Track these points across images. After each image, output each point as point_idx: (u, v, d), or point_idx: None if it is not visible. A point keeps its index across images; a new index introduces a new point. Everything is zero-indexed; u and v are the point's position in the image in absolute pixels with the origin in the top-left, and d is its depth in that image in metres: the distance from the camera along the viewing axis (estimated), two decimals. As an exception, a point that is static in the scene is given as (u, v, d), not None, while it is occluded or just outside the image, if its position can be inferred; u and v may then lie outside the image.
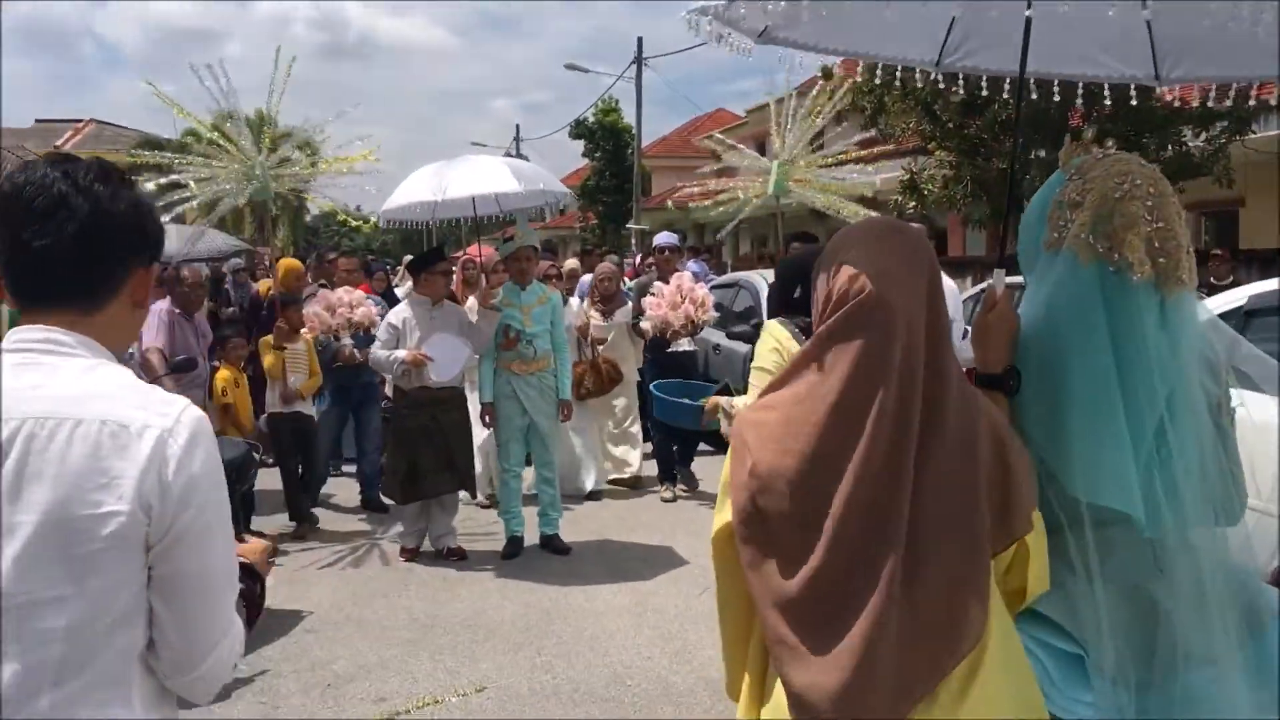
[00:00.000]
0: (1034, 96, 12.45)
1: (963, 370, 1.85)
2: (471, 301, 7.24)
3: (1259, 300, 5.18)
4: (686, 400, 5.41)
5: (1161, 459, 1.97)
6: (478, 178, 7.34)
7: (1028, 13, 2.50)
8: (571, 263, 11.14)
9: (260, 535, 7.27)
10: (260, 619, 5.46)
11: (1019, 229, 2.25)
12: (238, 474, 5.87)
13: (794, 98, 7.32)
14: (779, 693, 1.74)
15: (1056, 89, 3.67)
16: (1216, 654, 1.96)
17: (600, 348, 8.76)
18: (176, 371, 6.45)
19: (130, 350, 7.36)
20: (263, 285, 9.83)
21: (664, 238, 9.61)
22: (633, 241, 28.87)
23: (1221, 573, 2.00)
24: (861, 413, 1.68)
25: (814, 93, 7.39)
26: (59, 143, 37.86)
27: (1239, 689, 1.95)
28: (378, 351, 6.98)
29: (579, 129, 36.89)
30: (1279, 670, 2.00)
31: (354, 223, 8.66)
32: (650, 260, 10.14)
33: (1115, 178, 2.03)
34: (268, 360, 7.49)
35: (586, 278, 10.33)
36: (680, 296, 8.18)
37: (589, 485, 8.83)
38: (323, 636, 5.72)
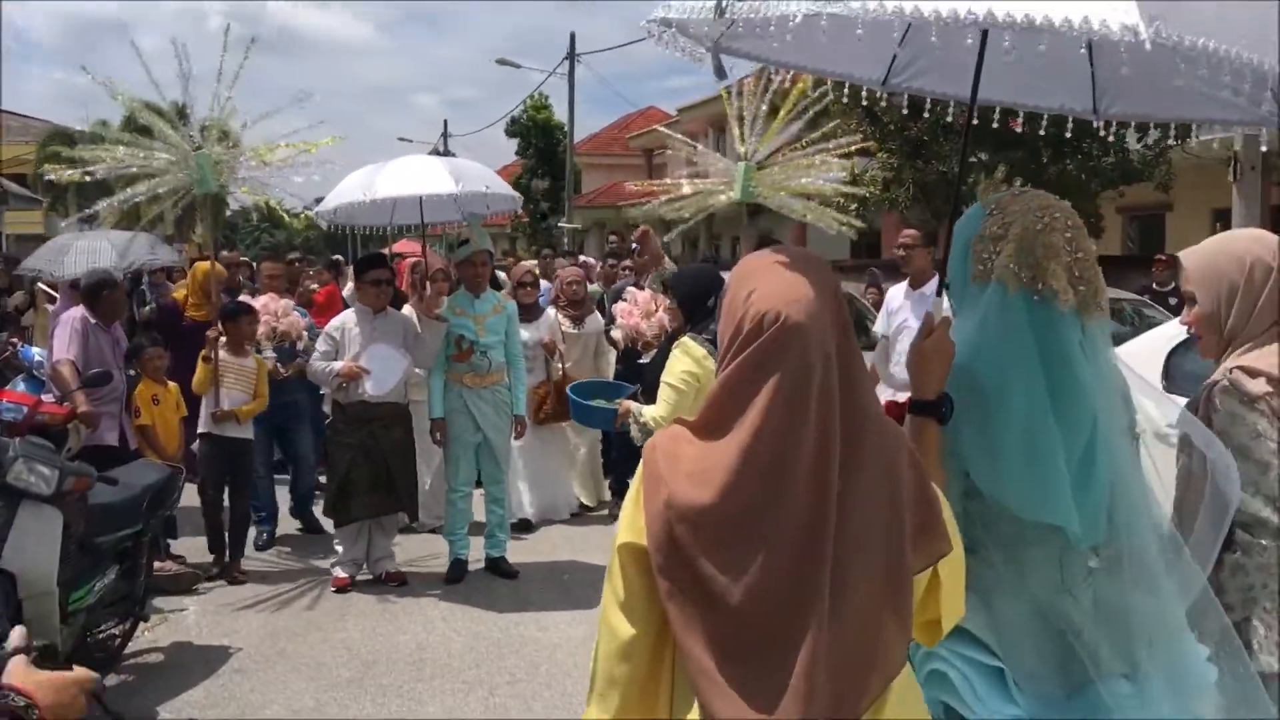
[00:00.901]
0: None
1: (875, 393, 1.82)
2: (408, 308, 6.78)
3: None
4: (601, 402, 5.17)
5: (1089, 479, 2.07)
6: (409, 178, 6.89)
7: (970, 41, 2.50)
8: (528, 263, 10.18)
9: (180, 560, 6.77)
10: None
11: (948, 264, 2.35)
12: (157, 500, 5.35)
13: (758, 96, 6.92)
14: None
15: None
16: (1129, 667, 2.06)
17: (566, 364, 8.08)
18: (89, 386, 5.90)
19: (39, 361, 6.77)
20: (179, 292, 8.86)
21: None
22: (564, 240, 28.52)
23: (1127, 589, 2.09)
24: (783, 443, 1.63)
25: (773, 89, 7.00)
26: (-37, 132, 36.28)
27: (1155, 701, 2.04)
28: (315, 363, 6.52)
29: (514, 126, 36.42)
30: (1191, 681, 2.12)
31: (289, 220, 7.84)
32: (626, 263, 9.34)
33: (1036, 211, 2.15)
34: (196, 374, 6.75)
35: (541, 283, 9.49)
36: (655, 304, 7.61)
37: (557, 515, 8.24)
38: (253, 677, 5.24)
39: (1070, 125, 3.24)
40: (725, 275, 4.45)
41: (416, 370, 6.77)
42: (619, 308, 7.66)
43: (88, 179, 6.76)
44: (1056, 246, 2.11)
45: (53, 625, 4.38)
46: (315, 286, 9.49)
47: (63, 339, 6.21)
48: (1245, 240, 2.65)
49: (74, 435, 5.86)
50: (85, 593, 4.76)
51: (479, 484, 6.99)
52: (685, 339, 4.56)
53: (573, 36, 29.74)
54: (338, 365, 6.39)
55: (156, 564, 5.97)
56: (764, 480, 1.63)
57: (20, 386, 6.70)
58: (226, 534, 6.83)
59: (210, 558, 6.88)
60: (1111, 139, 13.71)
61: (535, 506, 8.09)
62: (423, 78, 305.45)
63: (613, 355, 8.46)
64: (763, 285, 1.73)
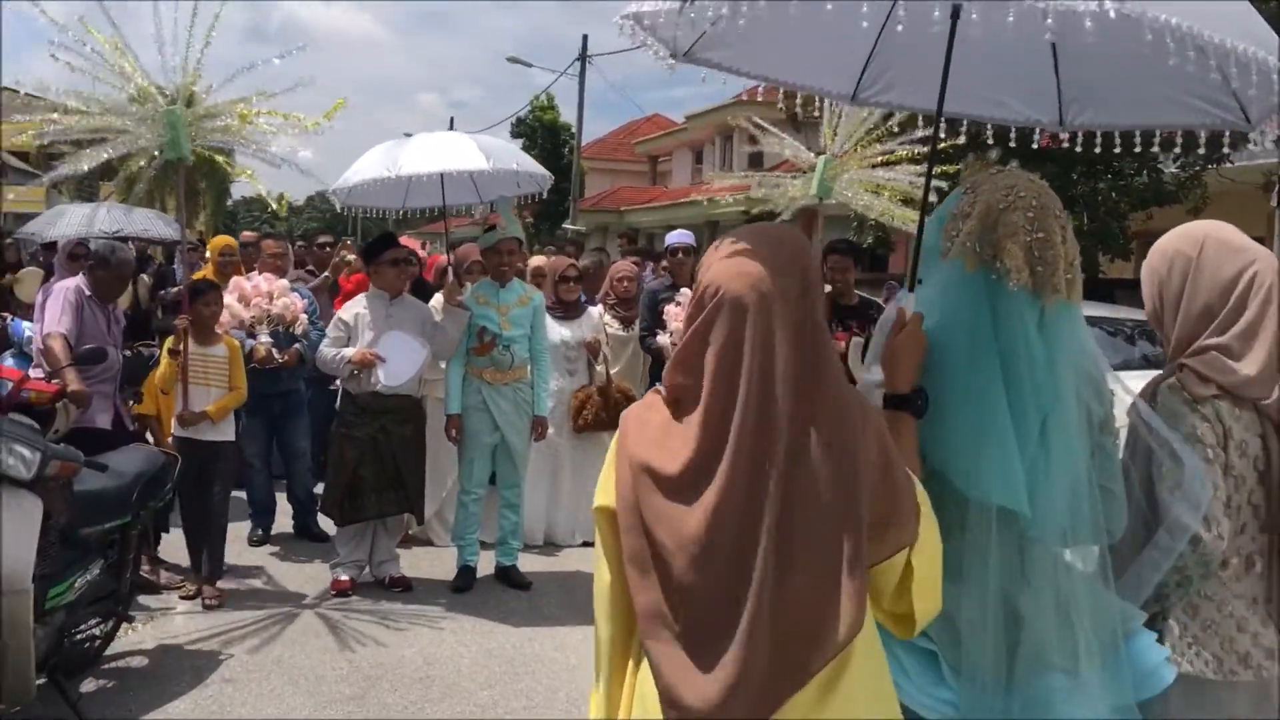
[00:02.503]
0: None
1: (845, 375, 1.83)
2: (437, 299, 6.34)
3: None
4: None
5: (1046, 464, 2.07)
6: (437, 154, 6.40)
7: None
8: (537, 260, 9.41)
9: (162, 563, 6.28)
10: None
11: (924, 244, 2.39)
12: (148, 490, 4.89)
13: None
14: (649, 687, 1.73)
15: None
16: (1073, 663, 2.05)
17: (612, 370, 7.37)
18: (83, 363, 5.41)
19: (28, 335, 6.32)
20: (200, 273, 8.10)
21: (679, 236, 8.13)
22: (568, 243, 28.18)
23: (1085, 585, 2.11)
24: (724, 416, 1.70)
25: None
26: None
27: (1093, 698, 2.04)
28: (325, 350, 6.06)
29: (520, 127, 36.27)
30: (1131, 683, 2.10)
31: (272, 203, 7.09)
32: (661, 263, 8.70)
33: (1002, 190, 2.15)
34: (160, 370, 5.98)
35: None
36: None
37: (580, 536, 7.45)
38: (246, 689, 4.79)
39: (1099, 142, 3.14)
40: None
41: (441, 365, 6.33)
42: (671, 310, 7.04)
43: (39, 144, 6.08)
44: (1016, 225, 2.11)
45: (25, 625, 3.93)
46: (351, 258, 8.44)
47: (54, 311, 5.69)
48: (1177, 235, 2.58)
49: (62, 415, 5.37)
50: (65, 589, 4.30)
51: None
52: None
53: (585, 39, 29.81)
54: (349, 351, 5.95)
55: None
56: (710, 449, 1.69)
57: (8, 362, 6.24)
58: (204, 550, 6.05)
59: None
60: (1151, 155, 13.43)
61: (552, 526, 7.46)
62: (425, 76, 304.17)
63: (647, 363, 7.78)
64: (719, 261, 1.79)
